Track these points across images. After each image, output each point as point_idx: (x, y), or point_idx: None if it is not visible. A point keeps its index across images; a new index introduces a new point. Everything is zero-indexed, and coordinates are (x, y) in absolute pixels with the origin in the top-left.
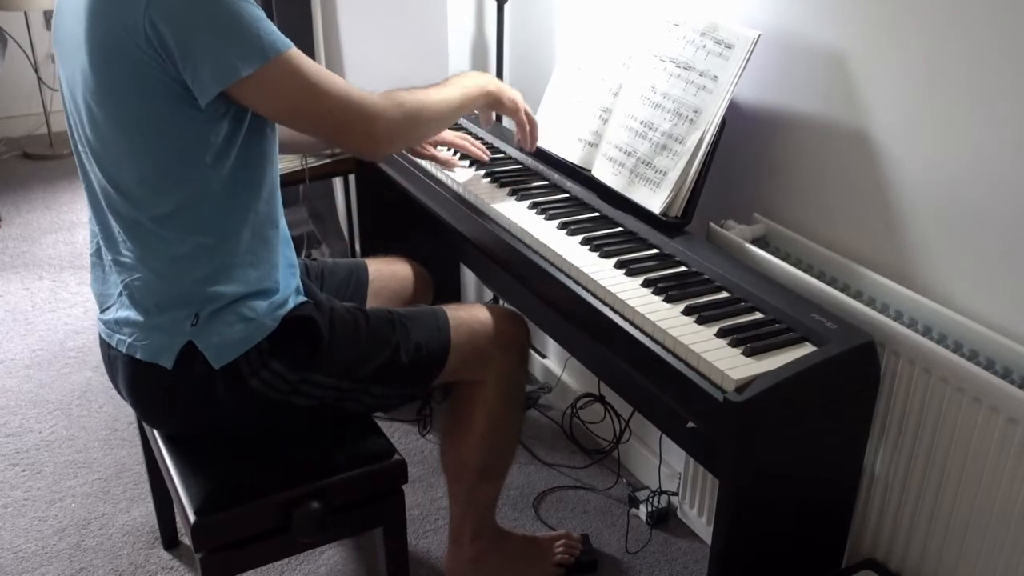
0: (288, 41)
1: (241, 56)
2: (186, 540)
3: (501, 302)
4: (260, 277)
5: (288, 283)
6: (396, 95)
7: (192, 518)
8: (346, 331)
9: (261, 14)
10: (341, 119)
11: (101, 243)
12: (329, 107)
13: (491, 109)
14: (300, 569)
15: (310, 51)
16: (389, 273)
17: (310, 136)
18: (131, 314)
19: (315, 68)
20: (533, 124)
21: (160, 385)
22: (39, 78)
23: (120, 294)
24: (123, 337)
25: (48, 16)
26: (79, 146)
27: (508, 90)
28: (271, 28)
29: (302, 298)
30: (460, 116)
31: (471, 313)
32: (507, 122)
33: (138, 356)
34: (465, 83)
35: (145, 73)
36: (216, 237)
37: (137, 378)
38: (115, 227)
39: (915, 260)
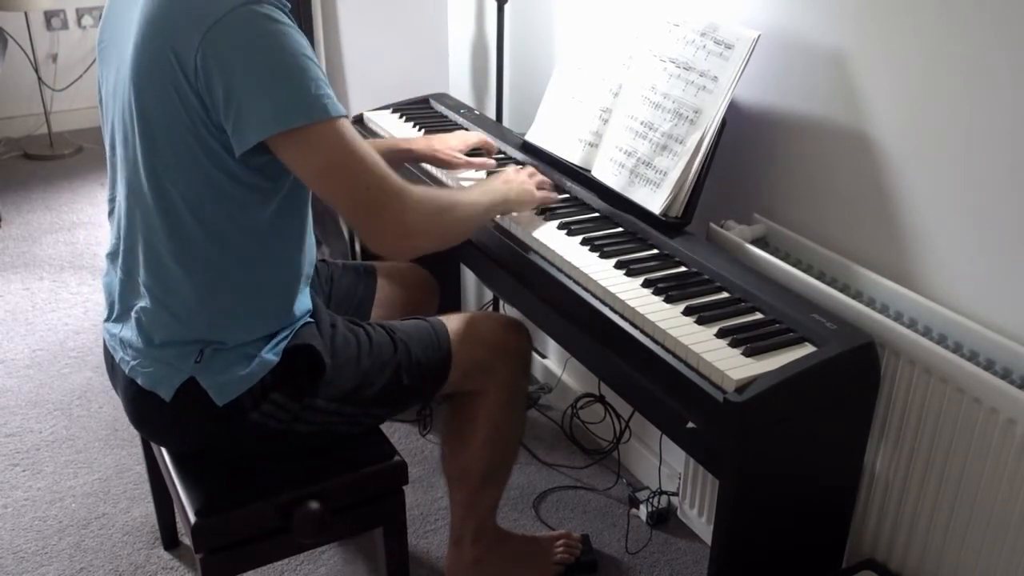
0: (342, 109)
1: (294, 108)
2: (186, 540)
3: (501, 303)
4: (271, 325)
5: (300, 310)
6: (429, 190)
7: (192, 519)
8: (348, 354)
9: (323, 77)
10: (375, 199)
11: (121, 250)
12: (367, 183)
13: (510, 212)
14: (300, 569)
15: None
16: (396, 280)
17: (338, 210)
18: (136, 339)
19: (362, 143)
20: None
21: (159, 413)
22: (39, 78)
23: (127, 313)
24: (126, 357)
25: (48, 16)
26: (118, 147)
27: (523, 194)
28: (331, 92)
29: (305, 319)
30: (484, 222)
31: (472, 325)
32: (507, 122)
33: (139, 382)
34: (491, 189)
35: (186, 106)
36: (235, 287)
37: (137, 402)
38: (139, 247)
39: (915, 260)
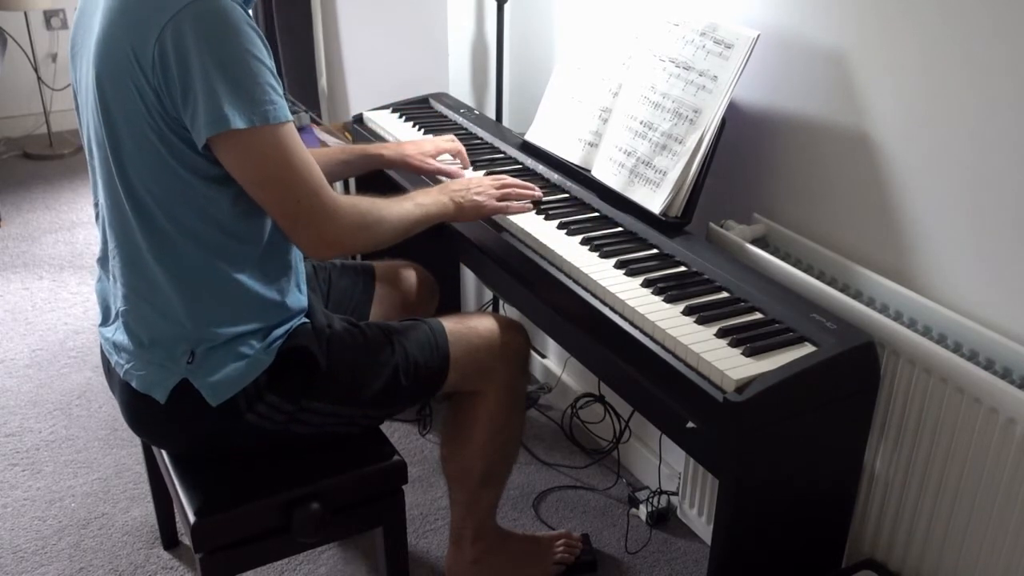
0: (289, 115)
1: (239, 109)
2: (186, 540)
3: (501, 302)
4: (262, 319)
5: (293, 306)
6: (358, 203)
7: (192, 518)
8: (344, 356)
9: (273, 81)
10: (304, 210)
11: (108, 253)
12: (300, 194)
13: (457, 221)
14: (300, 569)
15: (310, 51)
16: (395, 280)
17: (268, 214)
18: (126, 341)
19: (302, 152)
20: (514, 185)
21: (155, 415)
22: (39, 78)
23: (117, 316)
24: (120, 361)
25: (48, 16)
26: (94, 148)
27: (465, 203)
28: (278, 97)
29: (300, 319)
30: (415, 232)
31: (469, 326)
32: (507, 121)
33: (133, 384)
34: (425, 202)
35: (145, 102)
36: (217, 282)
37: (132, 405)
38: (121, 247)
39: (915, 260)
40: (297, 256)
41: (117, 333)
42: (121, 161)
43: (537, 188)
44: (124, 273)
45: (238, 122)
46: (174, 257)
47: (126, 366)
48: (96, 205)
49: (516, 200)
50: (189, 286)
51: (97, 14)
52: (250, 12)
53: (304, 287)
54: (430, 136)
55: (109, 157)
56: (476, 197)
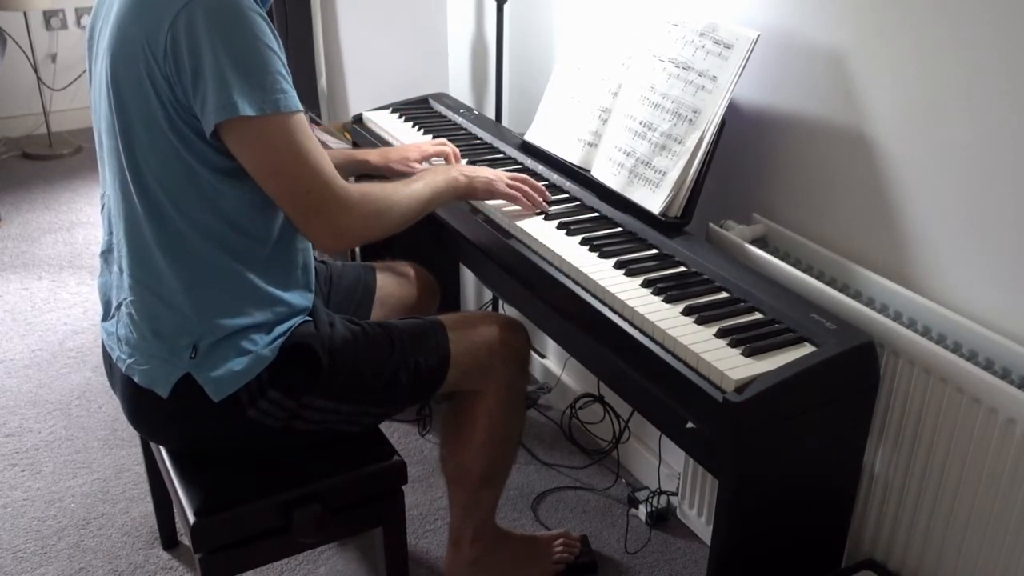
0: (299, 105)
1: (249, 96)
2: (185, 540)
3: (500, 302)
4: (265, 314)
5: (297, 304)
6: (369, 191)
7: (192, 519)
8: (346, 353)
9: (283, 70)
10: (315, 201)
11: (112, 244)
12: (310, 185)
13: (467, 199)
14: (300, 569)
15: (310, 52)
16: (396, 280)
17: (279, 206)
18: (129, 334)
19: (312, 142)
20: (530, 184)
21: (157, 410)
22: (39, 78)
23: (119, 308)
24: (122, 356)
25: (48, 16)
26: (104, 138)
27: (477, 178)
28: (288, 87)
29: (303, 318)
30: (428, 212)
31: (470, 325)
32: (507, 122)
33: (135, 379)
34: (435, 180)
35: (157, 90)
36: (221, 274)
37: (134, 400)
38: (126, 238)
39: (915, 260)
40: (307, 256)
41: (119, 326)
42: (132, 150)
43: (548, 195)
44: (130, 264)
45: (247, 109)
46: (181, 248)
47: (128, 360)
48: (103, 196)
49: (526, 198)
50: (195, 276)
51: (115, 7)
52: (264, 9)
53: (312, 287)
54: (425, 139)
55: (120, 146)
56: (487, 176)
